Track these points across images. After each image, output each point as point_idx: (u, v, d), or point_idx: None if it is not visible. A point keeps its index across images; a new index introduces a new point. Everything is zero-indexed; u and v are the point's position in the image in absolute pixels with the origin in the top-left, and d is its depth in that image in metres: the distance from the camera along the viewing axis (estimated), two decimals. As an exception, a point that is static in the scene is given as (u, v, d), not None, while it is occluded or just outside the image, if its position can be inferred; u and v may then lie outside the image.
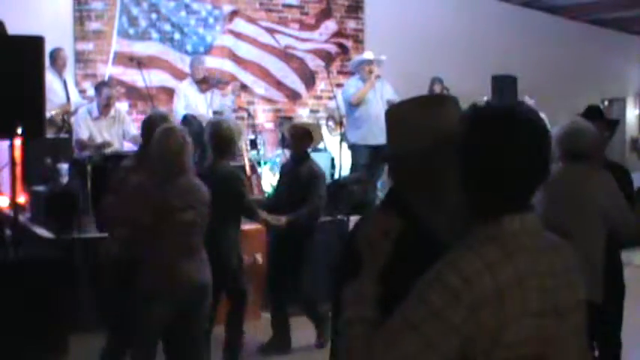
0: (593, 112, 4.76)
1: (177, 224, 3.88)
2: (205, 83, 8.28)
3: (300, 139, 5.63)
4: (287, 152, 8.88)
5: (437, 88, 9.82)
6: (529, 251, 1.67)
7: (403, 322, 1.59)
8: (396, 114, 2.05)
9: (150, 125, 4.44)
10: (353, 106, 8.13)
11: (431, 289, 1.60)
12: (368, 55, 8.35)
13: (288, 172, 5.73)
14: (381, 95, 8.13)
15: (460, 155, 1.71)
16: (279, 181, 5.93)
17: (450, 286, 1.58)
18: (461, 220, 1.75)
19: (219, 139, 4.91)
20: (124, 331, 4.19)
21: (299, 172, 5.55)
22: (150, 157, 4.05)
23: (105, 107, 6.90)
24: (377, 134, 8.15)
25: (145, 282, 3.88)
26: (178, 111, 8.18)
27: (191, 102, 8.19)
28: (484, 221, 1.69)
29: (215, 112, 8.23)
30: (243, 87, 10.07)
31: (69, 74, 8.30)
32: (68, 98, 7.92)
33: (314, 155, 9.06)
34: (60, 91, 7.90)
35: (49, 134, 7.06)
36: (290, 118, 9.65)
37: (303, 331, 5.66)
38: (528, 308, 1.62)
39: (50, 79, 7.52)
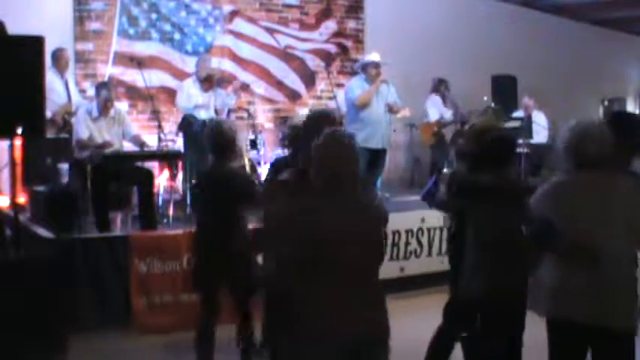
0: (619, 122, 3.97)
1: (336, 260, 3.00)
2: (208, 82, 8.27)
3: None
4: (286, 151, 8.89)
5: (442, 89, 9.95)
6: None
7: None
8: None
9: (311, 127, 3.62)
10: (356, 107, 8.09)
11: None
12: (375, 57, 8.30)
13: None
14: (384, 99, 8.11)
15: None
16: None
17: None
18: None
19: (222, 139, 4.70)
20: None
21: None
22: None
23: (104, 108, 6.90)
24: (377, 138, 8.11)
25: (297, 326, 3.09)
26: (181, 105, 8.18)
27: (193, 100, 8.18)
28: None
29: (215, 112, 8.24)
30: (244, 87, 10.07)
31: (70, 74, 8.30)
32: (69, 98, 7.93)
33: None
34: (61, 91, 7.89)
35: (50, 134, 7.07)
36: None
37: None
38: None
39: (52, 79, 7.52)
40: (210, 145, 4.77)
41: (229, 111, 8.86)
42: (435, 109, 10.05)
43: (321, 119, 3.72)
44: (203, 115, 8.07)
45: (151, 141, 7.59)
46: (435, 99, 10.09)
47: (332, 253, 2.98)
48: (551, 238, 3.40)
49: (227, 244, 4.56)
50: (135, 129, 7.54)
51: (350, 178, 3.09)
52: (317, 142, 3.15)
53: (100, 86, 7.18)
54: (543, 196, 3.51)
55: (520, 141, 9.66)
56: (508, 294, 3.93)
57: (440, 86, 10.06)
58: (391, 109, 8.17)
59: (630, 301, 3.35)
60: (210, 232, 4.72)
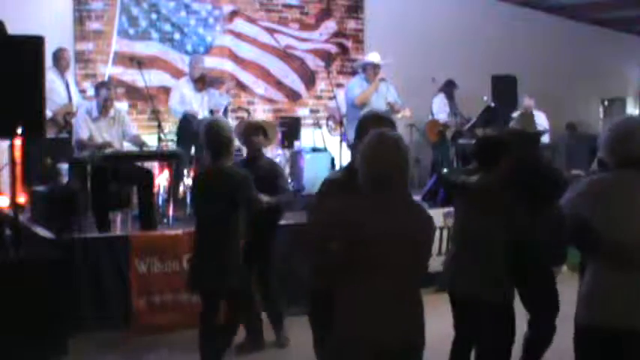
0: None
1: (380, 262, 2.95)
2: (201, 82, 8.28)
3: (251, 137, 5.54)
4: (286, 152, 8.91)
5: (450, 91, 10.01)
6: None
7: None
8: None
9: (362, 128, 3.51)
10: (356, 106, 8.10)
11: None
12: (375, 57, 8.30)
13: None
14: (384, 98, 8.11)
15: None
16: None
17: None
18: None
19: (220, 138, 4.63)
20: None
21: (258, 169, 5.31)
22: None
23: (103, 108, 6.90)
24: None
25: (338, 327, 3.03)
26: (172, 106, 8.22)
27: (187, 100, 8.20)
28: None
29: (210, 112, 8.24)
30: (244, 87, 10.07)
31: (70, 74, 8.30)
32: (70, 99, 7.92)
33: (315, 155, 9.15)
34: (62, 91, 7.89)
35: (50, 134, 7.07)
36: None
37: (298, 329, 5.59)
38: None
39: (52, 79, 7.52)
40: (207, 143, 4.71)
41: (225, 110, 8.86)
42: (441, 110, 10.07)
43: (369, 120, 3.61)
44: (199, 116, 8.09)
45: (151, 141, 7.58)
46: (442, 98, 10.12)
47: (376, 254, 2.93)
48: (589, 239, 3.25)
49: (222, 244, 4.54)
50: (135, 129, 7.53)
51: (397, 180, 3.01)
52: (363, 143, 3.09)
53: (100, 86, 7.17)
54: (580, 195, 3.33)
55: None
56: (477, 292, 3.97)
57: (449, 88, 10.12)
58: (392, 109, 8.18)
59: None
60: (206, 231, 4.70)
